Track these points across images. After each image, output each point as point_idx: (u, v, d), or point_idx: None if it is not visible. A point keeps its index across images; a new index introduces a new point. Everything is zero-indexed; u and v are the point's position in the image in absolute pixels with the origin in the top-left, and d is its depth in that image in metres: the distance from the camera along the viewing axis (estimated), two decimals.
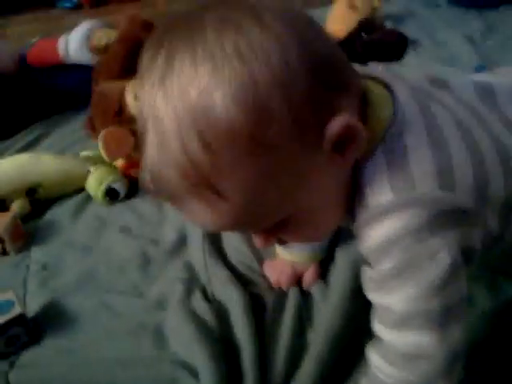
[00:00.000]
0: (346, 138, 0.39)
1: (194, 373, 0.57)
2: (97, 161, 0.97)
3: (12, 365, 0.63)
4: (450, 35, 1.33)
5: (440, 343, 0.42)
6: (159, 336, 0.63)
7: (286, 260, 0.68)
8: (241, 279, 0.69)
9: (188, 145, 0.36)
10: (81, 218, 0.91)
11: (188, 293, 0.67)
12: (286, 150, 0.38)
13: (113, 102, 1.00)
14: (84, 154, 1.01)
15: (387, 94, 0.44)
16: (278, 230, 0.44)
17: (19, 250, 0.85)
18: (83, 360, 0.62)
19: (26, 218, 0.90)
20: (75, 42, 1.18)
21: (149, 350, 0.62)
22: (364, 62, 1.28)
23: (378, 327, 0.45)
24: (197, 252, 0.75)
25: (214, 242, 0.76)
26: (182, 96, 0.36)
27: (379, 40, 1.35)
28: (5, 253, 0.84)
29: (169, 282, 0.71)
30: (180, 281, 0.69)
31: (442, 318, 0.42)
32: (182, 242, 0.79)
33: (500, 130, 0.46)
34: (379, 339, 0.45)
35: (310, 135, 0.38)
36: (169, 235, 0.80)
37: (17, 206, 0.91)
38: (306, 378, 0.53)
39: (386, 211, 0.40)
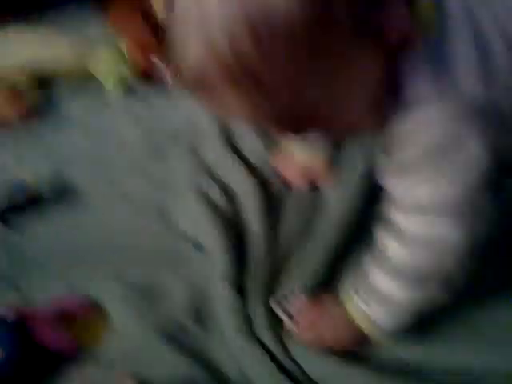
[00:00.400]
0: (400, 36, 0.37)
1: (199, 246, 0.56)
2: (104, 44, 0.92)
3: (20, 233, 0.62)
4: None
5: (464, 237, 0.42)
6: (165, 213, 0.63)
7: (299, 158, 0.66)
8: (253, 171, 0.67)
9: (238, 39, 0.33)
10: (88, 102, 0.88)
11: (198, 175, 0.66)
12: (340, 53, 0.35)
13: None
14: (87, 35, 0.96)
15: None
16: (305, 125, 0.41)
17: (24, 124, 0.82)
18: (85, 228, 0.62)
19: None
20: None
21: (154, 224, 0.61)
22: None
23: (399, 217, 0.44)
24: (210, 143, 0.73)
25: (229, 136, 0.74)
26: None
27: None
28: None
29: (177, 164, 0.69)
30: (189, 164, 0.68)
31: (469, 212, 0.42)
32: (193, 133, 0.76)
33: None
34: (398, 228, 0.44)
35: (365, 35, 0.36)
36: (180, 125, 0.78)
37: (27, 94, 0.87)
38: (312, 261, 0.53)
39: (426, 102, 0.39)
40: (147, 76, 0.90)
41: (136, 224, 0.62)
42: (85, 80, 0.91)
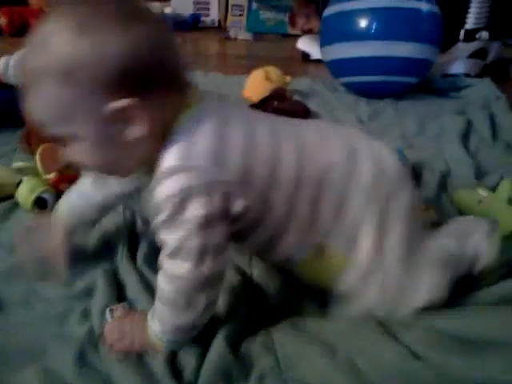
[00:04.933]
0: (123, 117, 0.55)
1: None
2: (28, 172, 1.05)
3: None
4: (345, 114, 1.61)
5: (194, 270, 0.58)
6: (88, 317, 0.72)
7: None
8: None
9: None
10: (8, 222, 0.97)
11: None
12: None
13: None
14: (16, 164, 1.08)
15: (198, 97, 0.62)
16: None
17: None
18: (16, 335, 0.69)
19: None
20: (17, 64, 1.26)
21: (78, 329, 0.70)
22: None
23: (161, 257, 0.60)
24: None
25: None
26: None
27: (287, 108, 1.59)
28: None
29: (96, 274, 0.80)
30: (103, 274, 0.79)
31: (199, 254, 0.58)
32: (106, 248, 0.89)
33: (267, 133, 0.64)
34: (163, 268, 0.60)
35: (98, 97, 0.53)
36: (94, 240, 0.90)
37: None
38: None
39: (170, 173, 0.56)
40: None
41: (59, 329, 0.70)
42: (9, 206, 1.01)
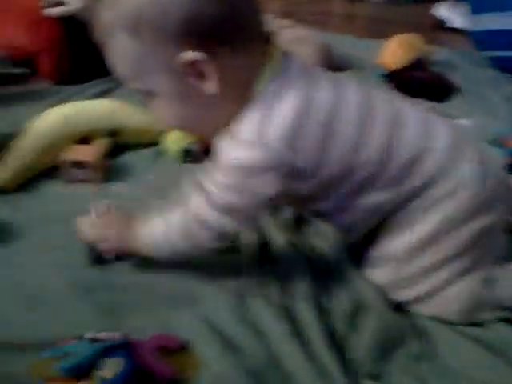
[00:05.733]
0: (194, 71, 0.54)
1: None
2: None
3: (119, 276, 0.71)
4: (490, 91, 1.47)
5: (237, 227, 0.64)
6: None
7: None
8: None
9: None
10: (155, 166, 1.01)
11: None
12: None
13: None
14: None
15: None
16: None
17: (101, 181, 0.94)
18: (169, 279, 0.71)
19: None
20: None
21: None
22: (410, 95, 1.42)
23: (201, 203, 0.61)
24: None
25: None
26: None
27: (426, 80, 1.49)
28: (87, 181, 0.93)
29: None
30: None
31: (224, 209, 0.59)
32: None
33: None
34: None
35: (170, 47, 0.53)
36: None
37: (102, 143, 1.00)
38: None
39: (242, 144, 0.56)
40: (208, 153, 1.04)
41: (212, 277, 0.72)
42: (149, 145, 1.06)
